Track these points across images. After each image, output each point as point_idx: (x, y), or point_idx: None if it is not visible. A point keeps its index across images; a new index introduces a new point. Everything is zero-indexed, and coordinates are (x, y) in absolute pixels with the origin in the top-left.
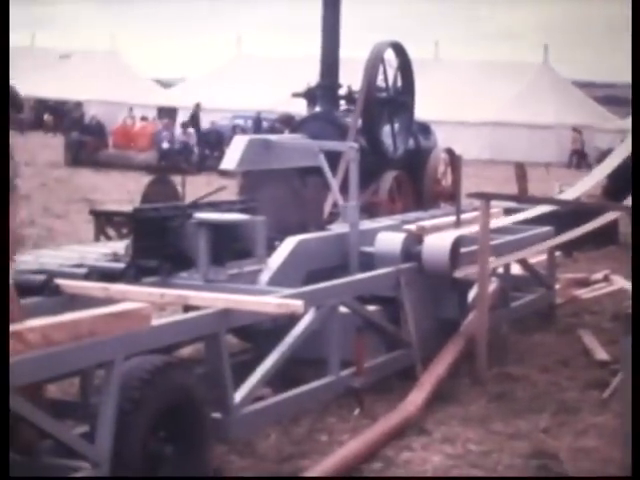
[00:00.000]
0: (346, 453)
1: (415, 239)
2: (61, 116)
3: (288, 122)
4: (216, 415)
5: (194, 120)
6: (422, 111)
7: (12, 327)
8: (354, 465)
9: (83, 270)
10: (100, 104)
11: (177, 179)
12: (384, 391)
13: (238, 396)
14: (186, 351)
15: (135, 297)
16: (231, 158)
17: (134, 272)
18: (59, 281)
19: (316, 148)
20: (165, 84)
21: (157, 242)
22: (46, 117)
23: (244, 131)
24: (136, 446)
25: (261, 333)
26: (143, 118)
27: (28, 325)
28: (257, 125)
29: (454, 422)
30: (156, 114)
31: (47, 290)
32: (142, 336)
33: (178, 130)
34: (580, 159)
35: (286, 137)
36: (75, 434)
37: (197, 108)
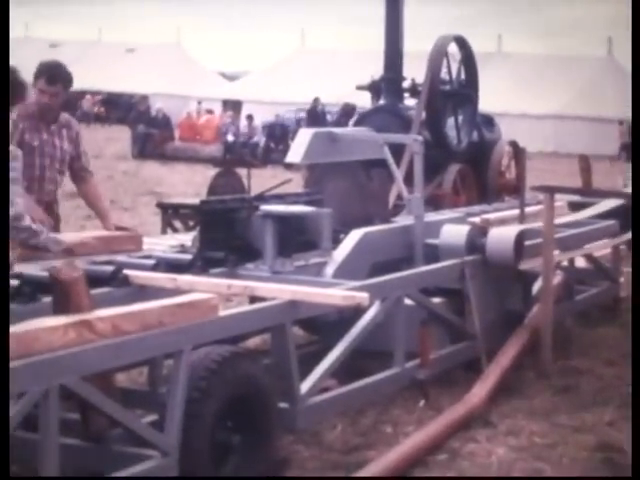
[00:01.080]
0: (411, 444)
1: (479, 232)
2: (112, 108)
3: (350, 112)
4: (283, 405)
5: (313, 114)
6: (486, 104)
7: (82, 316)
8: (419, 457)
9: (151, 261)
10: (165, 97)
11: (242, 172)
12: (449, 383)
13: (304, 387)
14: (252, 342)
15: (202, 288)
16: (296, 151)
17: (201, 263)
18: (128, 272)
19: (381, 140)
20: (230, 77)
21: (224, 234)
22: (97, 109)
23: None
24: (204, 435)
25: (326, 325)
26: (208, 111)
27: (98, 315)
28: (321, 118)
29: (519, 415)
30: (221, 107)
31: (116, 281)
32: (210, 326)
33: (243, 123)
34: (629, 152)
35: (351, 130)
36: (144, 423)
37: (316, 102)
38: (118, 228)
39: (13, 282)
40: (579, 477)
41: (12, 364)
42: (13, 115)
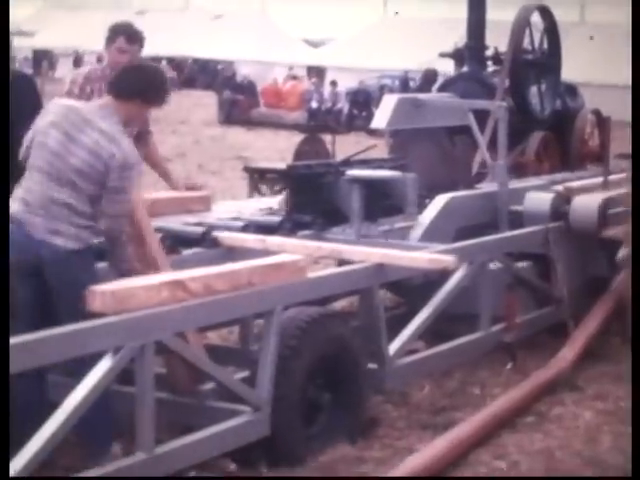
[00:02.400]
0: (499, 406)
1: (563, 199)
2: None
3: (432, 79)
4: (371, 366)
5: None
6: (568, 74)
7: (175, 276)
8: (507, 418)
9: (240, 223)
10: (251, 63)
11: (327, 138)
12: (535, 347)
13: (392, 348)
14: (339, 305)
15: (291, 250)
16: (381, 117)
17: (289, 226)
18: (217, 233)
19: (465, 107)
20: (314, 44)
21: (311, 198)
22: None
23: (392, 91)
24: (295, 392)
25: (412, 288)
26: (293, 77)
27: (190, 274)
28: (404, 85)
29: (605, 379)
30: (305, 73)
31: (206, 242)
32: (300, 287)
33: (327, 89)
34: None
35: (435, 96)
36: (237, 378)
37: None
38: (189, 188)
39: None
40: (579, 477)
41: (110, 319)
42: (79, 78)
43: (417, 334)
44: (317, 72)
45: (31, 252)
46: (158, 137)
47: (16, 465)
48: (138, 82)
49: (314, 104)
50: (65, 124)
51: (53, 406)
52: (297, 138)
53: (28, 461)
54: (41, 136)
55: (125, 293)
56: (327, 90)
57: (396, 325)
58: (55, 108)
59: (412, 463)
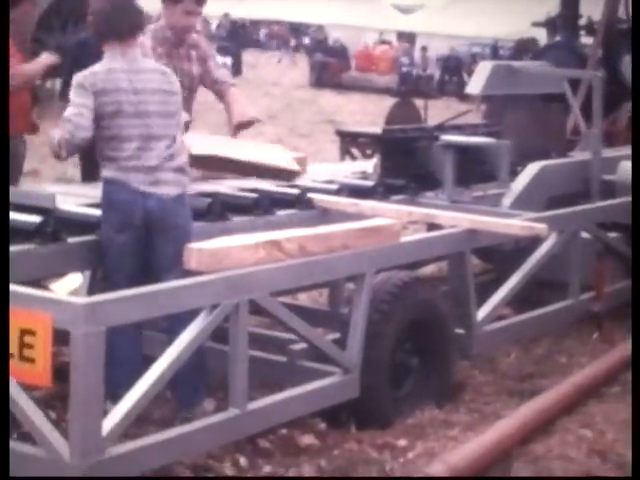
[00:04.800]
0: (585, 375)
1: None
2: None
3: (526, 47)
4: (459, 331)
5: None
6: None
7: (271, 236)
8: (593, 387)
9: (334, 186)
10: (342, 28)
11: (418, 103)
12: (623, 317)
13: (481, 314)
14: (427, 270)
15: (384, 213)
16: (476, 83)
17: (382, 190)
18: (312, 195)
19: (561, 75)
20: (404, 10)
21: (404, 162)
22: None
23: (483, 58)
24: (384, 355)
25: (502, 255)
26: (384, 42)
27: (286, 235)
28: (494, 53)
29: None
30: (395, 39)
31: (301, 203)
32: (393, 251)
33: (418, 55)
34: None
35: (529, 63)
36: (328, 340)
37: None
38: (242, 125)
39: (205, 200)
40: (579, 477)
41: (207, 277)
42: (147, 40)
43: (506, 300)
44: (407, 38)
45: (137, 206)
46: (250, 99)
47: (112, 419)
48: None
49: (405, 69)
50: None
51: (148, 361)
52: (388, 102)
53: (124, 415)
54: (126, 105)
55: (222, 252)
56: (418, 55)
57: (484, 291)
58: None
59: (500, 429)
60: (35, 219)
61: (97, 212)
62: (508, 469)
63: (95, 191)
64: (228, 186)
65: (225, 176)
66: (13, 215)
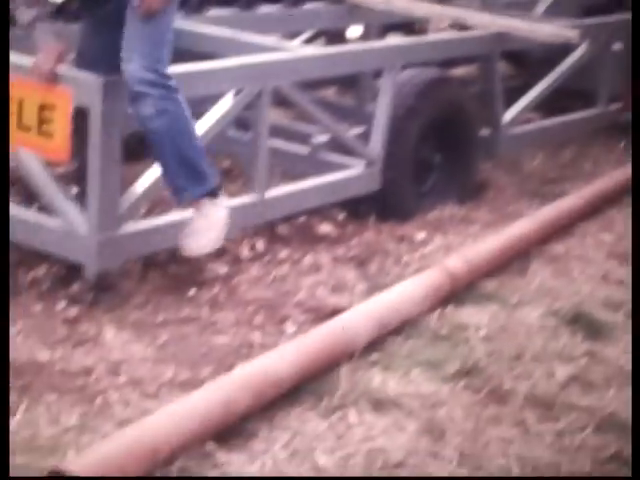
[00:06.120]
0: (609, 180)
1: None
2: None
3: None
4: (485, 132)
5: None
6: None
7: None
8: (617, 194)
9: None
10: None
11: None
12: None
13: (507, 116)
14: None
15: (415, 11)
16: None
17: None
18: None
19: None
20: None
21: None
22: None
23: None
24: (407, 149)
25: (533, 61)
26: None
27: None
28: None
29: None
30: None
31: None
32: (419, 46)
33: None
34: None
35: None
36: (351, 133)
37: None
38: None
39: None
40: (578, 477)
41: (232, 62)
42: None
43: (533, 105)
44: None
45: None
46: None
47: (130, 197)
48: None
49: None
50: None
51: None
52: None
53: (141, 194)
54: None
55: None
56: None
57: (512, 96)
58: None
59: (519, 228)
60: None
61: None
62: (526, 267)
63: None
64: None
65: None
66: None
